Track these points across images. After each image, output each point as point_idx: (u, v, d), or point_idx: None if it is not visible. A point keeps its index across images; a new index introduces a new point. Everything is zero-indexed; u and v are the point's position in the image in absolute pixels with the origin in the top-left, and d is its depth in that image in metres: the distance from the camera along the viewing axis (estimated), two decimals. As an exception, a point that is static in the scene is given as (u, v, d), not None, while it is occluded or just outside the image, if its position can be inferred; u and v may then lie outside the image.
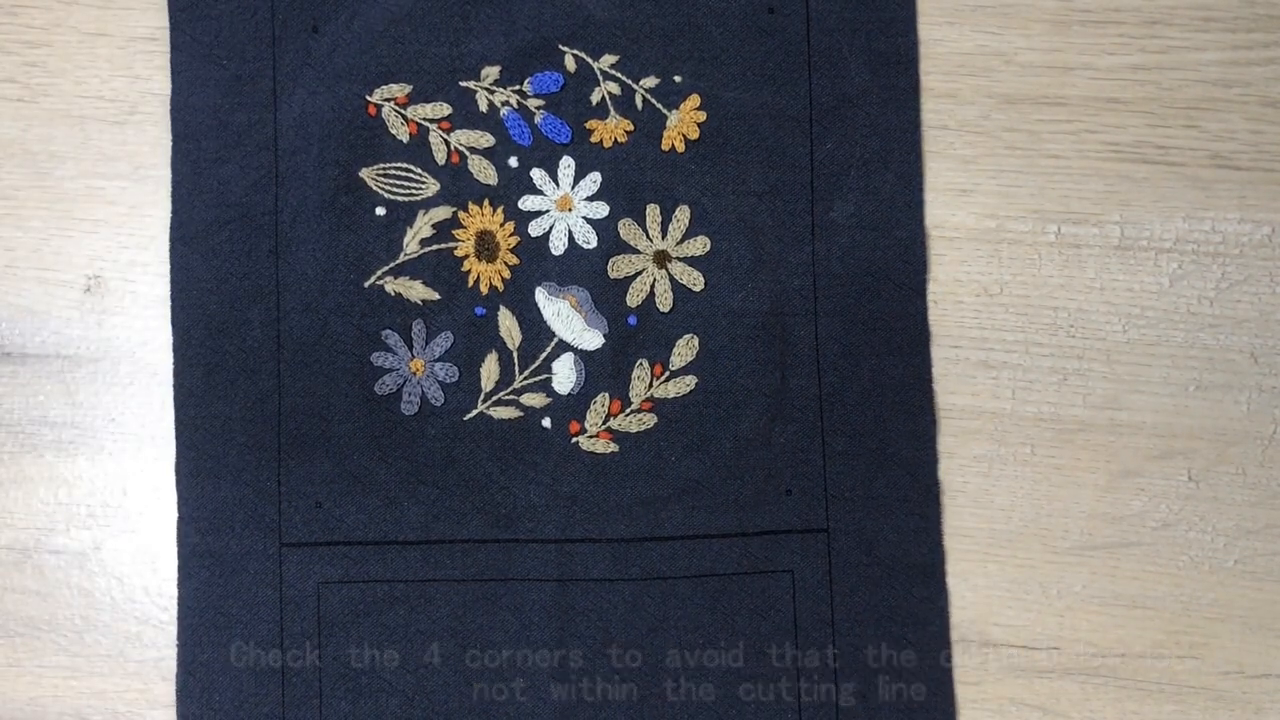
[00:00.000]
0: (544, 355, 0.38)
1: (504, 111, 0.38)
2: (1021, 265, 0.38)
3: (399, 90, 0.38)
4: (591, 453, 0.38)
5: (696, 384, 0.38)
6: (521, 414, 0.38)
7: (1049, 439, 0.38)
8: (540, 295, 0.38)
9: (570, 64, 0.38)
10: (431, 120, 0.38)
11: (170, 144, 0.38)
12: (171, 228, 0.38)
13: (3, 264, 0.39)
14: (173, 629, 0.38)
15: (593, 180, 0.38)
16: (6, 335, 0.38)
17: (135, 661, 0.38)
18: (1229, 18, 0.38)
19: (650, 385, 0.38)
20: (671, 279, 0.38)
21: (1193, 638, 0.37)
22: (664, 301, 0.38)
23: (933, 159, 0.38)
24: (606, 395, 0.38)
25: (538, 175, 0.38)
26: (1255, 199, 0.38)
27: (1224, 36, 0.38)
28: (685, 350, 0.38)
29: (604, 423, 0.38)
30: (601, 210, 0.38)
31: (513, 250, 0.38)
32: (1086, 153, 0.38)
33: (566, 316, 0.38)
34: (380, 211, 0.38)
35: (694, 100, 0.38)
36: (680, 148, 0.38)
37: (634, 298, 0.38)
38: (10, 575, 0.39)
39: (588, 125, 0.38)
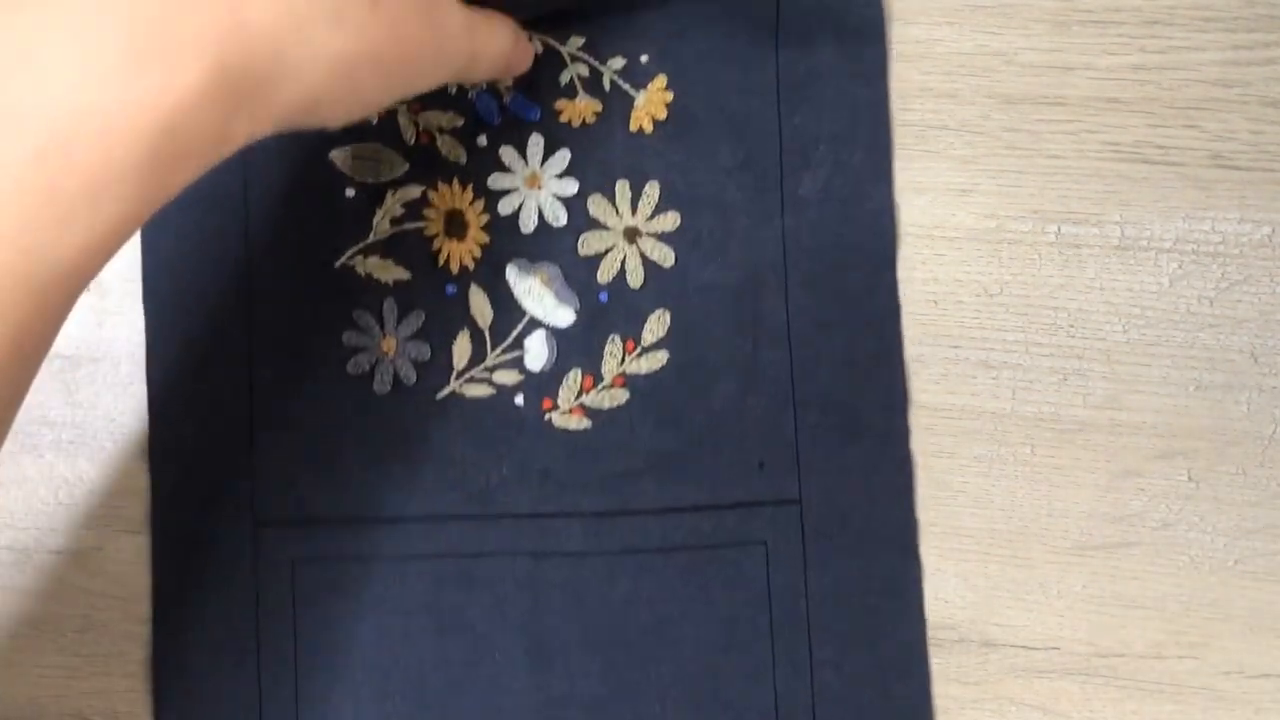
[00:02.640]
0: (516, 332, 0.38)
1: (473, 93, 0.38)
2: (1021, 265, 0.38)
3: None
4: (564, 429, 0.38)
5: (668, 359, 0.38)
6: (494, 391, 0.38)
7: (1049, 439, 0.38)
8: (511, 272, 0.38)
9: (538, 46, 0.38)
10: (400, 101, 0.38)
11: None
12: None
13: (4, 264, 0.39)
14: None
15: (562, 157, 0.38)
16: None
17: (135, 662, 0.38)
18: (1229, 18, 0.38)
19: (622, 361, 0.38)
20: (642, 255, 0.38)
21: (1193, 638, 0.37)
22: (635, 277, 0.38)
23: (933, 159, 0.38)
24: (579, 371, 0.38)
25: (507, 153, 0.38)
26: (1255, 199, 0.38)
27: (1224, 36, 0.38)
28: (657, 326, 0.38)
29: (576, 399, 0.38)
30: (571, 187, 0.38)
31: (483, 228, 0.38)
32: (1086, 153, 0.38)
33: (537, 294, 0.38)
34: (350, 192, 0.38)
35: (661, 80, 0.38)
36: (649, 128, 0.38)
37: (605, 274, 0.38)
38: (10, 575, 0.39)
39: (556, 106, 0.38)
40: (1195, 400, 0.38)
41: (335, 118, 0.30)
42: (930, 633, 0.38)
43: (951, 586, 0.38)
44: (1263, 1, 0.38)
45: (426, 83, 0.32)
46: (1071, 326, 0.38)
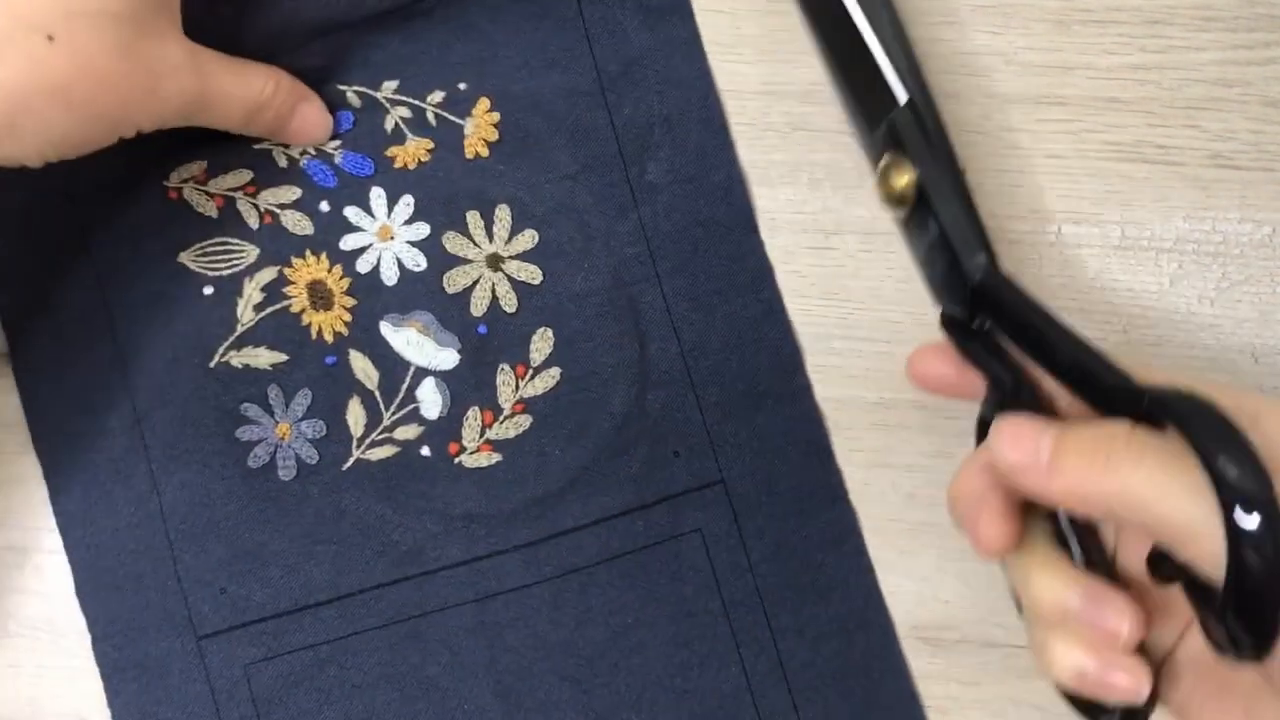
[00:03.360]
0: (405, 386, 0.38)
1: (304, 161, 0.38)
2: (1022, 265, 0.38)
3: (196, 168, 0.38)
4: (476, 468, 0.38)
5: (561, 375, 0.38)
6: (399, 449, 0.38)
7: None
8: (386, 328, 0.38)
9: (355, 100, 0.38)
10: (235, 189, 0.38)
11: None
12: (14, 362, 0.38)
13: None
14: None
15: (406, 204, 0.38)
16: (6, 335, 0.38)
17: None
18: (1229, 18, 0.37)
19: (517, 388, 0.38)
20: (510, 279, 0.38)
21: None
22: (508, 303, 0.38)
23: None
24: (476, 408, 0.38)
25: (352, 213, 0.38)
26: (1255, 199, 0.37)
27: (1224, 36, 0.37)
28: (541, 344, 0.38)
29: (481, 436, 0.38)
30: (423, 231, 0.38)
31: (347, 292, 0.38)
32: (1086, 153, 0.38)
33: (416, 343, 0.38)
34: (208, 290, 0.38)
35: (484, 103, 0.38)
36: (484, 153, 0.38)
37: (478, 307, 0.38)
38: (10, 575, 0.38)
39: (388, 153, 0.38)
40: (1196, 400, 0.37)
41: (25, 153, 0.31)
42: (930, 633, 0.38)
43: (951, 586, 0.37)
44: (1263, 1, 0.37)
45: (141, 118, 0.32)
46: (1071, 326, 0.37)
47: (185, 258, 0.38)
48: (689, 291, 0.38)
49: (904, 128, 0.33)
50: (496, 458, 0.38)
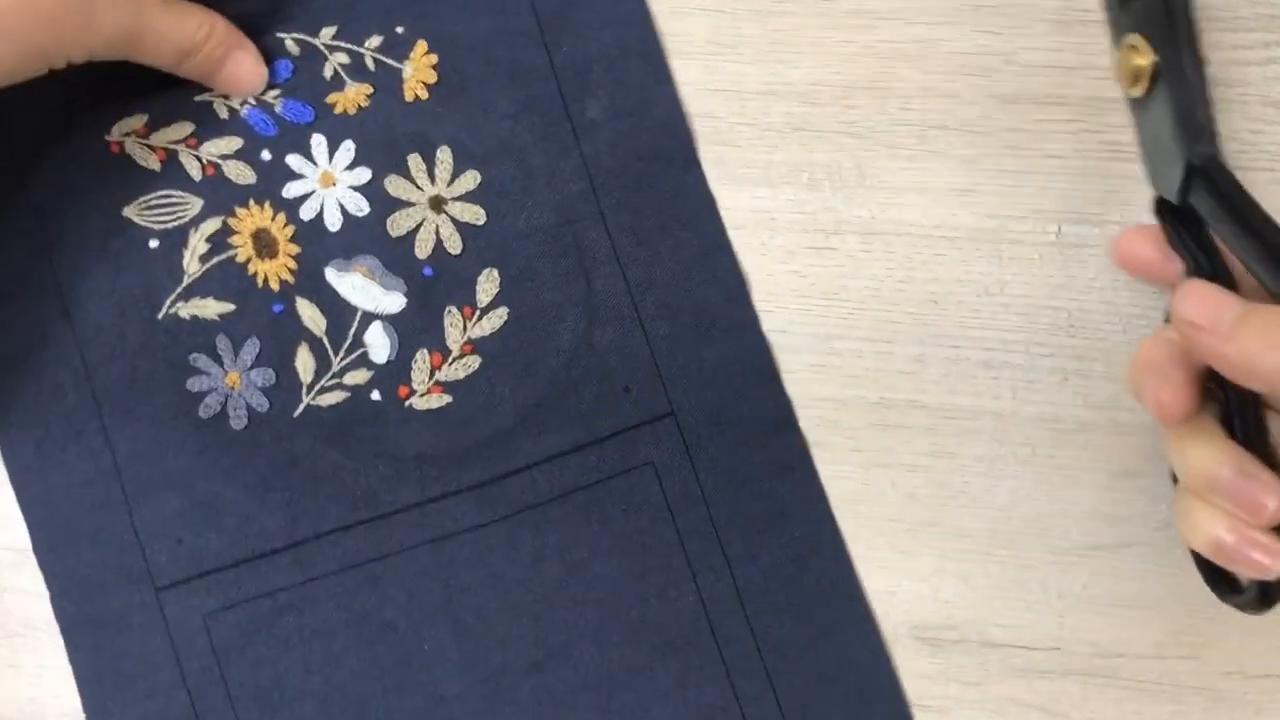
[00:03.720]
0: (352, 331, 0.38)
1: (244, 111, 0.38)
2: (1021, 265, 0.37)
3: (137, 121, 0.38)
4: (427, 410, 0.38)
5: (509, 314, 0.38)
6: (349, 394, 0.38)
7: (1049, 439, 0.37)
8: (331, 274, 0.38)
9: (294, 47, 0.38)
10: (177, 141, 0.38)
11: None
12: None
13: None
14: None
15: (347, 149, 0.38)
16: None
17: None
18: (1229, 17, 0.37)
19: (465, 329, 0.38)
20: (453, 220, 0.38)
21: (1193, 638, 0.37)
22: (453, 244, 0.38)
23: (933, 159, 0.38)
24: (425, 351, 0.38)
25: (293, 160, 0.38)
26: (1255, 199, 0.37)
27: (1224, 36, 0.37)
28: (488, 285, 0.38)
29: (430, 378, 0.38)
30: (365, 176, 0.38)
31: (291, 240, 0.38)
32: (1086, 153, 0.37)
33: (362, 287, 0.38)
34: (154, 244, 0.38)
35: (422, 46, 0.38)
36: (424, 95, 0.38)
37: (422, 249, 0.38)
38: (10, 575, 0.39)
39: (328, 100, 0.38)
40: (1196, 400, 0.37)
41: None
42: (930, 633, 0.38)
43: (951, 586, 0.37)
44: (1263, 1, 0.37)
45: (72, 49, 0.33)
46: (1071, 326, 0.37)
47: (129, 211, 0.38)
48: (633, 227, 0.38)
49: (1153, 10, 0.33)
50: (447, 399, 0.38)
